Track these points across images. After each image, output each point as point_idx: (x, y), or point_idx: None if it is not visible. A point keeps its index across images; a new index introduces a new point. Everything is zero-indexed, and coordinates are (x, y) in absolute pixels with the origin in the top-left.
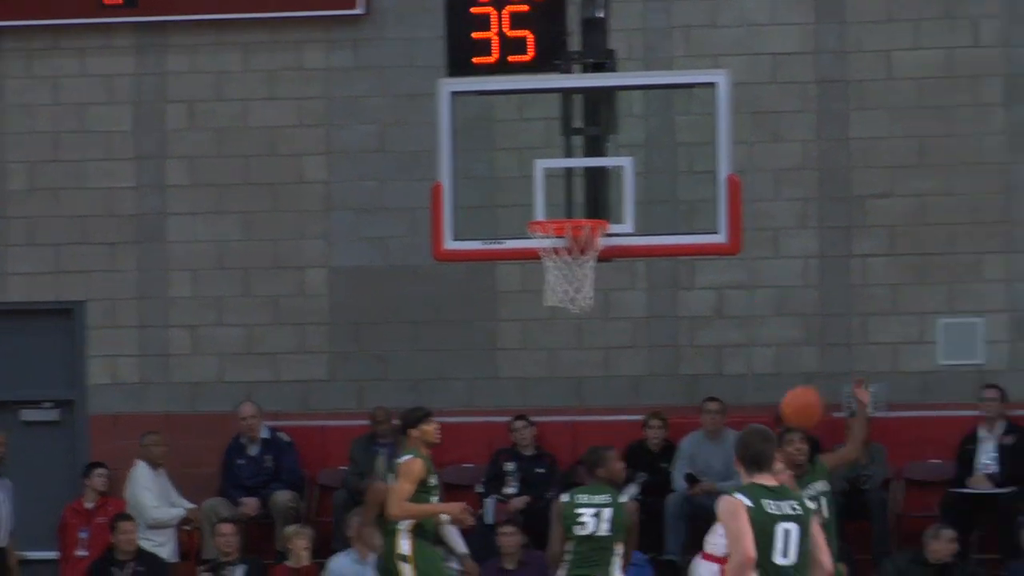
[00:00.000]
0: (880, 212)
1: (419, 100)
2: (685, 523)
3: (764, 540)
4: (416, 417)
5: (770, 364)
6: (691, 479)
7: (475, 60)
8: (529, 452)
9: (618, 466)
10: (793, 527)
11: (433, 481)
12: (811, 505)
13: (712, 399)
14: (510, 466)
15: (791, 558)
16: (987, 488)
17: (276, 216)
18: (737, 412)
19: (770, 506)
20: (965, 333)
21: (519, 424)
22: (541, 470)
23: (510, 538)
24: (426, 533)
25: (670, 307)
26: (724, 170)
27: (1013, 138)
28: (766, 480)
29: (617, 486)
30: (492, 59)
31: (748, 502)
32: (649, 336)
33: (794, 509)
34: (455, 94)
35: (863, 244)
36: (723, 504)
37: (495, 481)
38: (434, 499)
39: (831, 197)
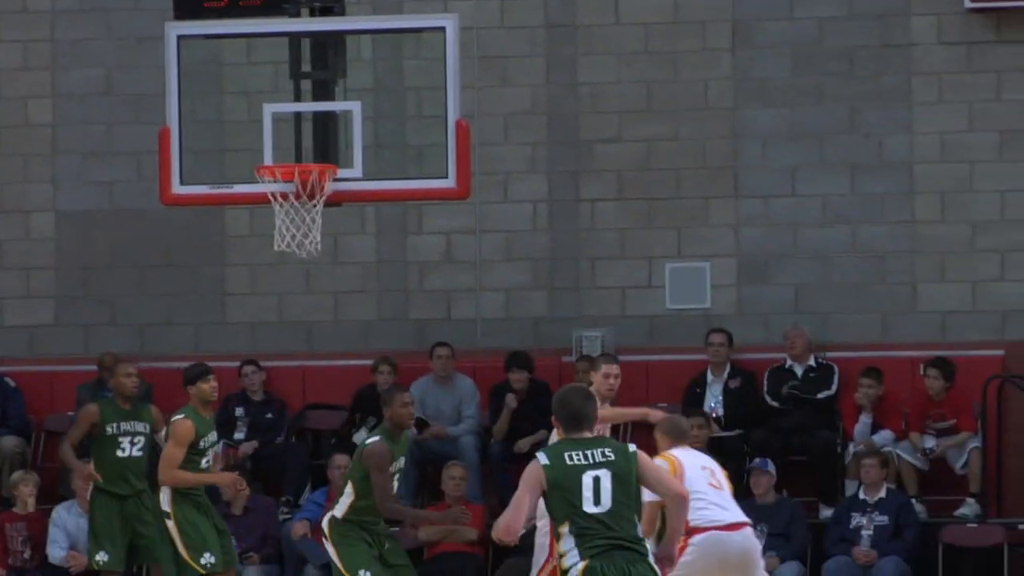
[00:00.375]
0: (608, 157)
1: (146, 43)
2: (414, 467)
3: (572, 490)
4: (192, 375)
5: (499, 309)
6: (421, 423)
7: (206, 3)
8: (258, 397)
9: (402, 411)
10: (604, 473)
11: (205, 443)
12: (632, 449)
13: (441, 344)
14: (239, 411)
15: (604, 505)
16: (714, 432)
17: (1, 160)
18: (466, 357)
19: (574, 457)
20: (692, 277)
21: (248, 369)
22: (270, 415)
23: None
24: (193, 490)
25: (399, 252)
26: (453, 115)
27: (739, 84)
28: (583, 435)
29: (401, 430)
30: (222, 3)
31: (544, 459)
32: (378, 281)
33: (605, 456)
34: (182, 38)
35: (591, 189)
36: (527, 469)
37: (224, 426)
38: (205, 460)
39: (560, 142)
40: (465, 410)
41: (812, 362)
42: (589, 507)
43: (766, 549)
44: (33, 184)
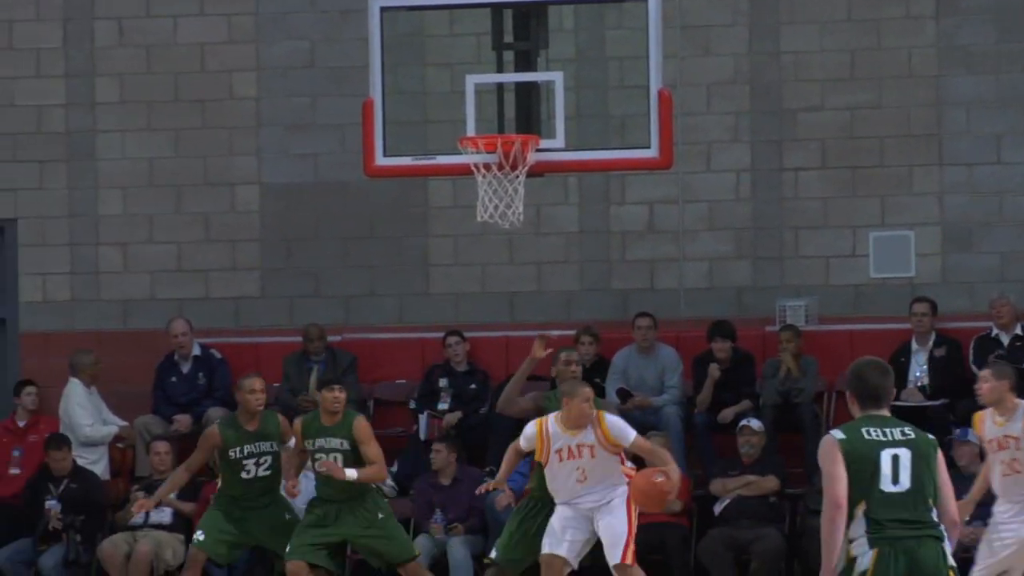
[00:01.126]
0: (811, 125)
1: (350, 15)
2: None
3: (866, 468)
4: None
5: (702, 278)
6: (624, 394)
7: None
8: (462, 368)
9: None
10: (904, 451)
11: (235, 453)
12: (932, 437)
13: (644, 314)
14: (443, 382)
15: (903, 484)
16: (919, 400)
17: (206, 133)
18: (669, 327)
19: (871, 432)
20: (896, 246)
21: (452, 340)
22: (474, 386)
23: (441, 455)
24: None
25: (602, 222)
26: (655, 84)
27: (943, 51)
28: (880, 413)
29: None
30: None
31: (841, 435)
32: (581, 251)
33: (905, 434)
34: (385, 9)
35: (794, 157)
36: (820, 445)
37: (428, 397)
38: (245, 472)
39: (762, 111)
40: (668, 380)
41: (1019, 331)
42: (887, 485)
43: (972, 519)
44: (238, 157)
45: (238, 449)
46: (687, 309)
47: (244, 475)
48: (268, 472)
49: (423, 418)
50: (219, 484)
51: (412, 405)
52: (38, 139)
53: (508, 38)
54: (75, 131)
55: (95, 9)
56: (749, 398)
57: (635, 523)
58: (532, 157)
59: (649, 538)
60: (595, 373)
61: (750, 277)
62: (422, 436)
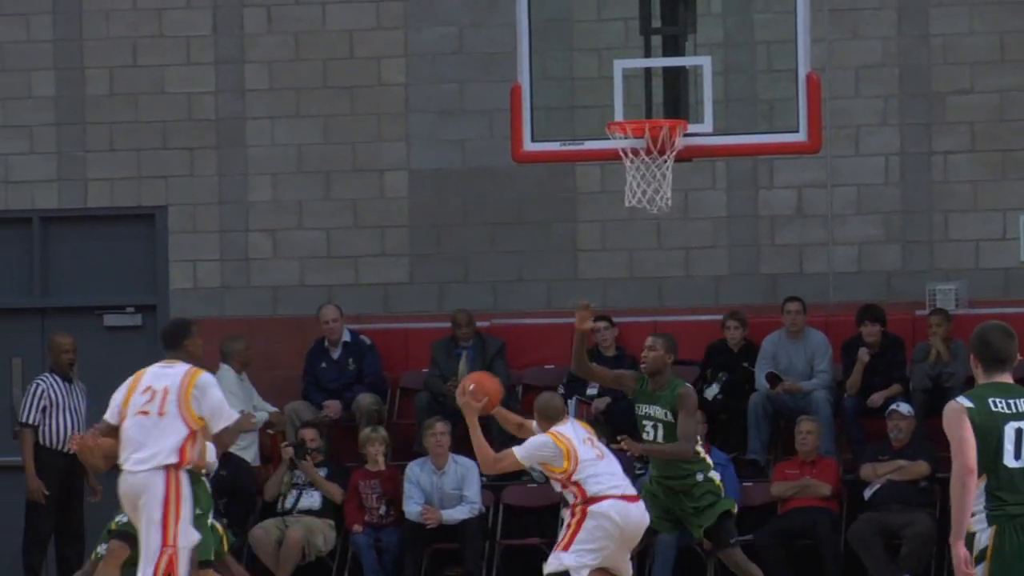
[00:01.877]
0: (961, 109)
1: (497, 1)
2: (767, 422)
3: (990, 441)
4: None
5: (851, 262)
6: (773, 378)
7: None
8: (610, 353)
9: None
10: None
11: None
12: None
13: (793, 299)
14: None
15: None
16: None
17: (355, 119)
18: (818, 311)
19: (997, 404)
20: None
21: (600, 325)
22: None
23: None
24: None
25: (750, 206)
26: (803, 68)
27: None
28: (1004, 379)
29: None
30: None
31: (968, 403)
32: (729, 235)
33: None
34: None
35: (944, 141)
36: (945, 411)
37: (577, 383)
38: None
39: (911, 94)
40: (817, 365)
41: None
42: (1010, 460)
43: None
44: (386, 143)
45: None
46: (836, 293)
47: None
48: None
49: (572, 403)
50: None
51: (561, 390)
52: (188, 126)
53: (656, 23)
54: (225, 118)
55: None
56: (899, 382)
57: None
58: (680, 142)
59: (799, 523)
60: (743, 357)
61: (899, 261)
62: None
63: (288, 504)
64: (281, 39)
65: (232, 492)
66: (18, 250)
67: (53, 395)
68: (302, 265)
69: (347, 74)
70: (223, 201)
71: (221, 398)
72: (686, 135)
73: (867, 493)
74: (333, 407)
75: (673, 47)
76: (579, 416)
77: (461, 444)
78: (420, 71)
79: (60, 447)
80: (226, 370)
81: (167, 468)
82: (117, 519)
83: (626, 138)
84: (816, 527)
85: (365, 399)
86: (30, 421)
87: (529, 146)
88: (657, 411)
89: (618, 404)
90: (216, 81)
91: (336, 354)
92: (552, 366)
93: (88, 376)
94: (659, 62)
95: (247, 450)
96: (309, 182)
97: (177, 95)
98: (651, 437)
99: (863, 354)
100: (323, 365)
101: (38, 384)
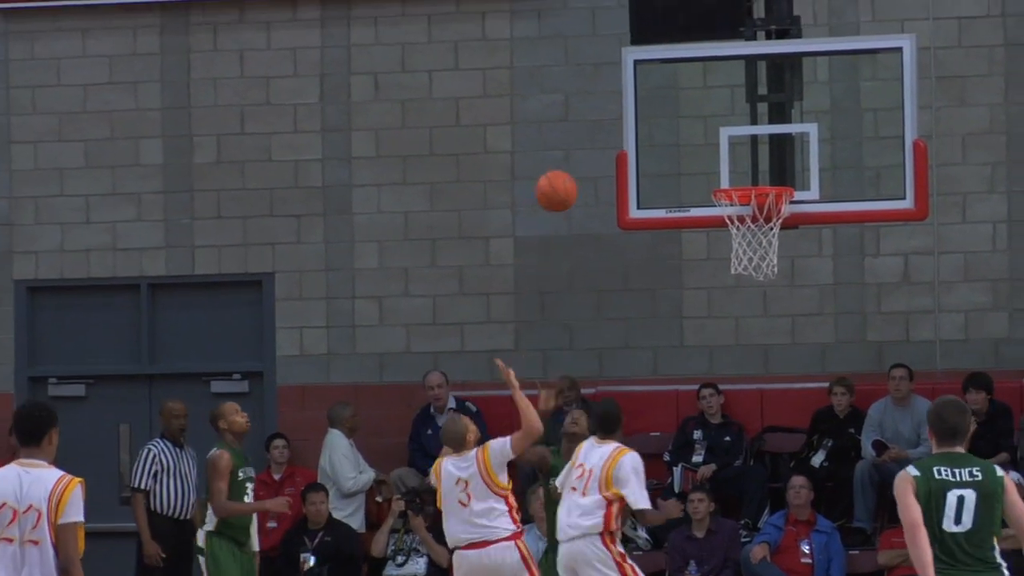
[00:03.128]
0: None
1: (603, 69)
2: (874, 490)
3: (933, 507)
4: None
5: (959, 330)
6: (879, 446)
7: (662, 28)
8: (716, 420)
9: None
10: (969, 493)
11: (243, 475)
12: (1000, 472)
13: (899, 365)
14: (697, 434)
15: (965, 524)
16: None
17: (460, 186)
18: (924, 379)
19: (942, 472)
20: None
21: (706, 392)
22: (728, 438)
23: (699, 505)
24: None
25: (856, 273)
26: (910, 135)
27: None
28: (955, 449)
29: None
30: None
31: (916, 472)
32: (836, 303)
33: (972, 476)
34: (639, 62)
35: None
36: (895, 480)
37: (683, 449)
38: (247, 491)
39: (1019, 161)
40: (924, 433)
41: None
42: (950, 525)
43: None
44: (493, 210)
45: (243, 471)
46: (943, 361)
47: (246, 499)
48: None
49: (677, 471)
50: (213, 514)
51: (666, 457)
52: (295, 193)
53: (762, 90)
54: (331, 185)
55: (352, 64)
56: (1006, 451)
57: None
58: (786, 209)
59: None
60: (849, 424)
61: (1007, 328)
62: (676, 488)
63: (396, 566)
64: (388, 107)
65: (335, 557)
66: (127, 317)
67: (165, 460)
68: (408, 332)
69: (453, 141)
70: (329, 268)
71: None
72: (792, 202)
73: None
74: None
75: (779, 114)
76: (684, 483)
77: None
78: (526, 138)
79: (171, 513)
80: (337, 435)
81: None
82: None
83: (732, 205)
84: None
85: None
86: (142, 486)
87: (635, 213)
88: None
89: (722, 472)
90: (323, 148)
91: (442, 421)
92: (658, 433)
93: (196, 442)
94: (765, 129)
95: (353, 517)
96: (415, 249)
97: (284, 163)
98: None
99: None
100: (429, 432)
101: (150, 449)
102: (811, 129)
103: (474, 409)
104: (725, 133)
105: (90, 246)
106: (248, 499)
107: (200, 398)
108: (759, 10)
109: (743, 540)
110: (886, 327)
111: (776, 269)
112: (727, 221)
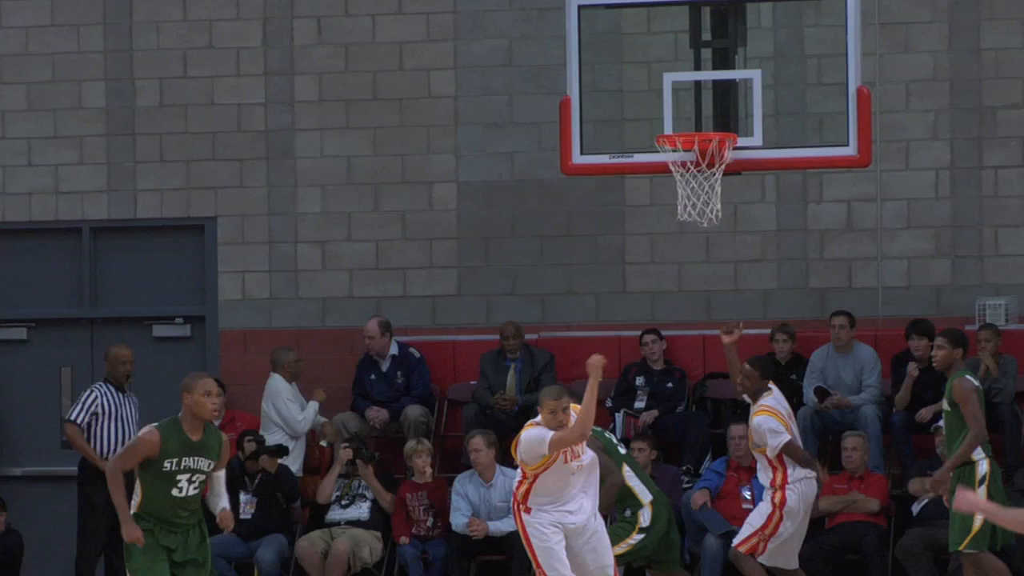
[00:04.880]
0: (1012, 123)
1: (547, 13)
2: (815, 436)
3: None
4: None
5: (901, 277)
6: (821, 393)
7: None
8: (659, 367)
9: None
10: None
11: (171, 465)
12: None
13: (840, 313)
14: (639, 380)
15: None
16: None
17: (404, 131)
18: (867, 326)
19: None
20: None
21: (649, 338)
22: (670, 384)
23: (641, 453)
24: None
25: (799, 220)
26: (854, 82)
27: None
28: None
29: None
30: None
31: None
32: (779, 249)
33: None
34: (583, 7)
35: (994, 155)
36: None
37: (625, 396)
38: (177, 489)
39: (962, 108)
40: (866, 379)
41: None
42: None
43: None
44: (436, 155)
45: (174, 462)
46: (886, 308)
47: (175, 492)
48: (197, 492)
49: (619, 416)
50: (138, 500)
51: (608, 404)
52: (237, 138)
53: (706, 36)
54: (274, 130)
55: (295, 8)
56: None
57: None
58: (730, 155)
59: (847, 538)
60: (791, 371)
61: (949, 276)
62: (618, 434)
63: (341, 507)
64: (331, 51)
65: (272, 497)
66: (68, 260)
67: (106, 404)
68: (351, 276)
69: (397, 86)
70: (272, 212)
71: None
72: (736, 148)
73: (915, 508)
74: (378, 415)
75: (723, 60)
76: (627, 430)
77: (507, 456)
78: (470, 83)
79: (108, 457)
80: (278, 379)
81: None
82: None
83: (676, 151)
84: (864, 542)
85: (413, 411)
86: (76, 420)
87: (578, 159)
88: None
89: (664, 419)
90: (266, 93)
91: (384, 366)
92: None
93: (137, 386)
94: (709, 75)
95: (292, 461)
96: (358, 194)
97: (227, 107)
98: None
99: (912, 369)
100: (372, 377)
101: (92, 391)
102: (755, 75)
103: (417, 355)
104: (669, 79)
105: (32, 189)
106: (181, 492)
107: (142, 342)
108: None
109: (684, 486)
110: (829, 274)
111: (720, 215)
112: (670, 167)
